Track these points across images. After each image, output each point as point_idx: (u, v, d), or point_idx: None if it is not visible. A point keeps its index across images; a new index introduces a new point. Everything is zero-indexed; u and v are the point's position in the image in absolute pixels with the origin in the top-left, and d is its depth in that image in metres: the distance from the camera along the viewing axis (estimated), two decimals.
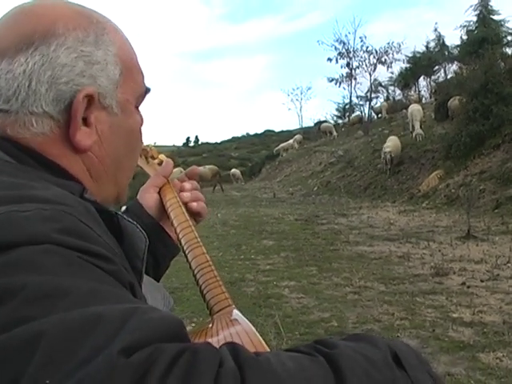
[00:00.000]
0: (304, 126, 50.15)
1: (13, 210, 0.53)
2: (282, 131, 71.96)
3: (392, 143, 17.59)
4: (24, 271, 0.47)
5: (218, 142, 78.26)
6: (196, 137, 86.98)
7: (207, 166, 25.04)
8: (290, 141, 37.37)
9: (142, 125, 0.81)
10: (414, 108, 19.71)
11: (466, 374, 3.88)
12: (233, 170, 34.77)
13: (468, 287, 6.12)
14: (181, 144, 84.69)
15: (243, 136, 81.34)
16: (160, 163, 1.07)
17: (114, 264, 0.55)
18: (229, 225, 12.78)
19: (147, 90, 0.81)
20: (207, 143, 77.88)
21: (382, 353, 0.53)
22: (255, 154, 54.50)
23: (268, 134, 76.03)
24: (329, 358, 0.49)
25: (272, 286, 6.66)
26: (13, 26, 0.68)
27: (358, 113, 36.92)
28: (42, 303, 0.45)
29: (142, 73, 0.80)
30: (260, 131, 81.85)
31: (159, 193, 0.99)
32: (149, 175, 1.05)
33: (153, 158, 1.08)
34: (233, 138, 79.77)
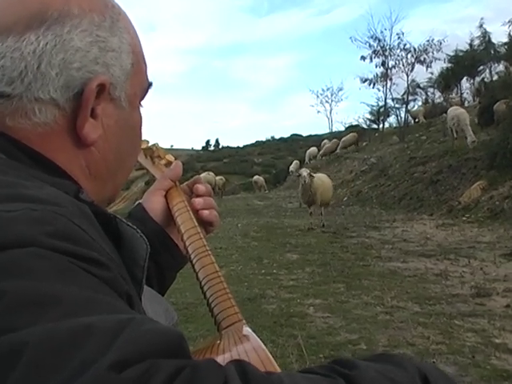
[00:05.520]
0: (334, 130, 50.01)
1: None
2: (310, 136, 72.24)
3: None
4: (8, 276, 0.45)
5: (241, 146, 78.84)
6: (216, 140, 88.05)
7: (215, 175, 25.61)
8: (313, 148, 37.22)
9: (142, 122, 0.82)
10: (461, 111, 18.56)
11: None
12: (255, 177, 34.92)
13: None
14: (200, 148, 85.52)
15: (268, 140, 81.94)
16: (167, 164, 1.06)
17: (109, 271, 0.53)
18: (250, 236, 12.79)
19: (150, 84, 0.81)
20: (228, 147, 78.51)
21: (410, 375, 0.52)
22: (280, 160, 54.66)
23: (295, 138, 76.41)
24: (349, 380, 0.48)
25: (295, 303, 6.62)
26: (20, 1, 0.66)
27: (352, 133, 35.42)
28: (26, 312, 0.43)
29: (146, 65, 0.80)
30: (286, 135, 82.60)
31: (165, 197, 0.97)
32: (154, 177, 1.04)
33: (159, 157, 1.07)
34: (256, 142, 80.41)
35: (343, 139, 34.68)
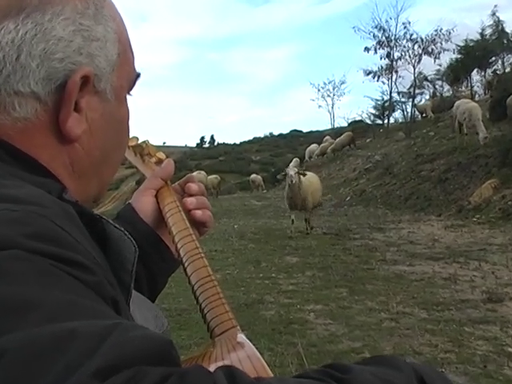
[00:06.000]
0: (336, 126, 50.09)
1: None
2: (311, 132, 72.44)
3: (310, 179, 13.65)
4: None
5: (237, 143, 79.07)
6: (212, 136, 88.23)
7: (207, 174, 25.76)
8: (314, 145, 37.15)
9: (129, 116, 0.82)
10: (473, 105, 18.00)
11: None
12: (252, 176, 35.02)
13: None
14: (194, 145, 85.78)
15: (266, 137, 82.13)
16: (158, 162, 1.07)
17: (93, 275, 0.53)
18: (247, 238, 12.84)
19: (138, 76, 0.81)
20: (224, 144, 78.73)
21: (406, 377, 0.54)
22: (279, 158, 54.78)
23: (295, 134, 76.62)
24: None
25: (295, 309, 6.63)
26: None
27: (347, 133, 34.77)
28: (5, 317, 0.43)
29: (133, 55, 0.80)
30: (285, 131, 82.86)
31: (156, 196, 0.97)
32: (144, 176, 1.05)
33: (149, 155, 1.08)
34: (254, 138, 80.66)
35: (336, 140, 34.34)
